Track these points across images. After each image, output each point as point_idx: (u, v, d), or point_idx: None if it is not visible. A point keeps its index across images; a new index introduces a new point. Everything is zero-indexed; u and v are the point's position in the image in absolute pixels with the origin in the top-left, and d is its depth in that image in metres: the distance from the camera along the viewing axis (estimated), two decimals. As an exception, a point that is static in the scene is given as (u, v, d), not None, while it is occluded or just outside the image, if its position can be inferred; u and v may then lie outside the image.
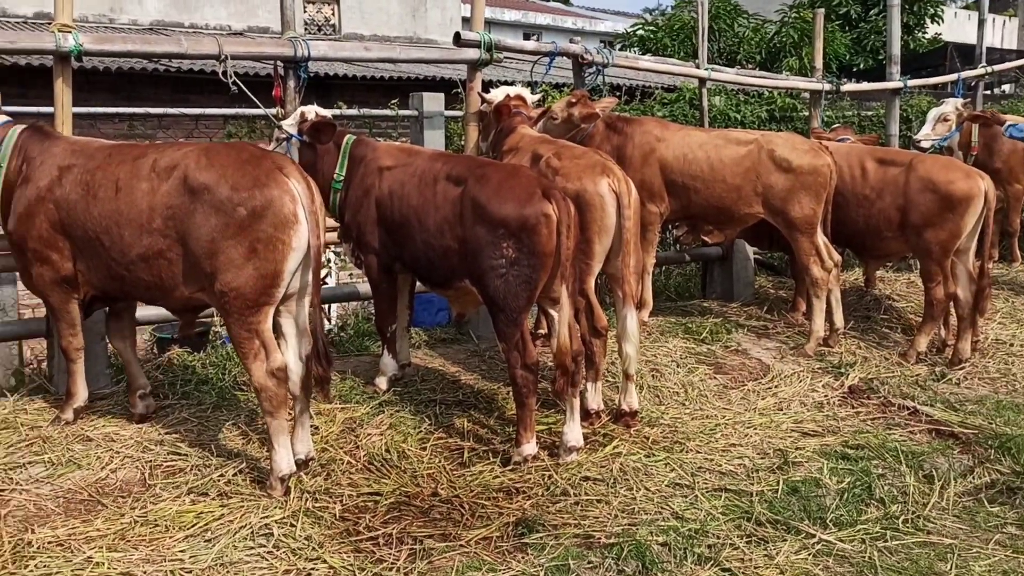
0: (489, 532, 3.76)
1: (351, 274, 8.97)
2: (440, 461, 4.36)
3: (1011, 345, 6.54)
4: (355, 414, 4.70)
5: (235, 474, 4.00)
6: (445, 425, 4.73)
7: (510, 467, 4.33)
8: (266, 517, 3.69)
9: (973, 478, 4.60)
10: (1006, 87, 13.94)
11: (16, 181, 4.23)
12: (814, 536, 3.90)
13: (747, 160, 6.10)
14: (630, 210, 4.73)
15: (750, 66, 16.33)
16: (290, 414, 4.06)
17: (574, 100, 6.01)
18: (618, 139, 6.25)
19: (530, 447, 4.38)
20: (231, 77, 5.01)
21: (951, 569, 3.70)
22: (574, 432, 4.46)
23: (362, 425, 4.60)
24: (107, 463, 4.07)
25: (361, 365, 5.44)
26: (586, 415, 4.80)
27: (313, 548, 3.53)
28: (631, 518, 3.94)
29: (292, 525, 3.66)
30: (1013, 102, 11.04)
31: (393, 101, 7.09)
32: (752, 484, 4.34)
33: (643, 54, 16.29)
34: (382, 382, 5.07)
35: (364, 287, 5.68)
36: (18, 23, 13.43)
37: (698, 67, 7.51)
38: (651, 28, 19.73)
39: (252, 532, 3.59)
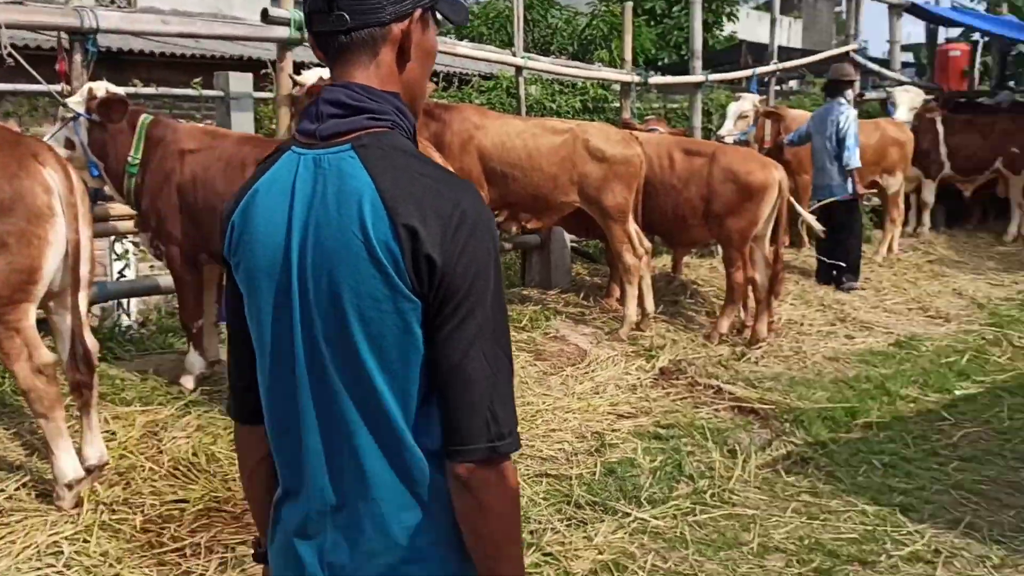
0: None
1: (152, 265, 8.42)
2: (253, 461, 4.15)
3: (802, 325, 7.04)
4: (158, 416, 4.38)
5: (17, 489, 3.62)
6: (258, 423, 4.50)
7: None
8: (55, 534, 3.36)
9: (771, 450, 4.90)
10: (793, 83, 15.00)
11: None
12: (630, 515, 4.03)
13: (563, 149, 6.19)
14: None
15: (563, 56, 16.69)
16: (75, 416, 3.72)
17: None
18: (436, 126, 6.17)
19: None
20: (6, 48, 4.53)
21: (754, 538, 3.91)
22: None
23: (166, 428, 4.29)
24: None
25: (165, 363, 5.09)
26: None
27: (110, 564, 3.25)
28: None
29: (86, 541, 3.36)
30: (800, 97, 11.90)
31: (196, 80, 6.69)
32: (572, 468, 4.43)
33: (460, 40, 16.28)
34: (188, 381, 4.76)
35: (166, 280, 5.31)
36: None
37: (515, 55, 7.56)
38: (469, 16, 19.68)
39: (39, 552, 3.26)
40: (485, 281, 1.38)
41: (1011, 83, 14.52)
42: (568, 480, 4.28)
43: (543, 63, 8.26)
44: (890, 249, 9.30)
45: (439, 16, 1.50)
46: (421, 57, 1.48)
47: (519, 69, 7.60)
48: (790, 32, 28.93)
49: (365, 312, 1.36)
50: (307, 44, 5.83)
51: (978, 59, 14.77)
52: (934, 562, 3.76)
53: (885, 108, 10.16)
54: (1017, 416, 5.54)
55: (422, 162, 1.42)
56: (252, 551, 1.73)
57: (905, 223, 10.20)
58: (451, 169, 2.63)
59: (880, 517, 4.16)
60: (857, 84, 9.86)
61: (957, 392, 6.00)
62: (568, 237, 7.63)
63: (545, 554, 3.67)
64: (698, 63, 8.72)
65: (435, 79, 8.44)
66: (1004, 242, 10.97)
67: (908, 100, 9.85)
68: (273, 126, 6.45)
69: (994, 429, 5.36)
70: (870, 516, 4.17)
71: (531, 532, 3.80)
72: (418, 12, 1.44)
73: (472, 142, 6.17)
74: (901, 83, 11.11)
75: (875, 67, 11.11)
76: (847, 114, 7.82)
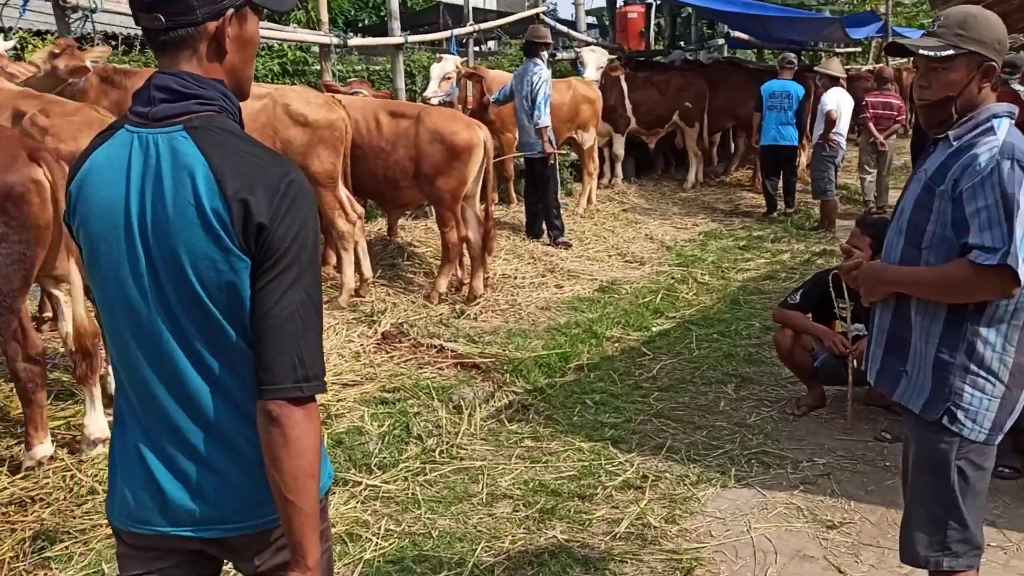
0: (1, 554, 3.23)
1: None
2: (-74, 484, 3.64)
3: (515, 279, 7.36)
4: None
5: None
6: (-71, 439, 3.95)
7: (22, 475, 3.76)
8: None
9: (494, 402, 5.10)
10: (491, 44, 15.48)
11: None
12: (361, 483, 4.01)
13: (263, 115, 5.93)
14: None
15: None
16: None
17: (58, 51, 5.31)
18: (117, 94, 5.65)
19: (44, 448, 3.85)
20: None
21: (482, 488, 4.06)
22: (97, 423, 4.02)
23: None
24: None
25: None
26: (111, 400, 4.34)
27: None
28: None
29: None
30: (498, 58, 12.30)
31: None
32: None
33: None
34: None
35: None
36: None
37: (202, 16, 7.08)
38: (148, -27, 18.21)
39: None
40: (303, 243, 1.60)
41: (681, 43, 15.98)
42: None
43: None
44: (589, 201, 9.94)
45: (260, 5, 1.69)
46: (240, 48, 1.68)
47: (209, 31, 7.13)
48: (486, -6, 29.74)
49: (202, 270, 1.59)
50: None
51: (652, 21, 16.07)
52: (643, 487, 4.11)
53: (576, 67, 10.78)
54: (704, 346, 6.19)
55: (248, 142, 1.64)
56: None
57: (601, 175, 10.95)
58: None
59: (595, 452, 4.48)
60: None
61: (654, 329, 6.57)
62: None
63: (277, 535, 3.56)
64: (396, 24, 8.71)
65: (113, 43, 7.72)
66: (685, 189, 12.15)
67: (595, 60, 10.52)
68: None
69: (685, 359, 5.94)
70: (586, 452, 4.47)
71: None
72: (230, 11, 1.62)
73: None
74: (588, 44, 11.82)
75: (564, 28, 11.72)
76: (540, 74, 8.18)
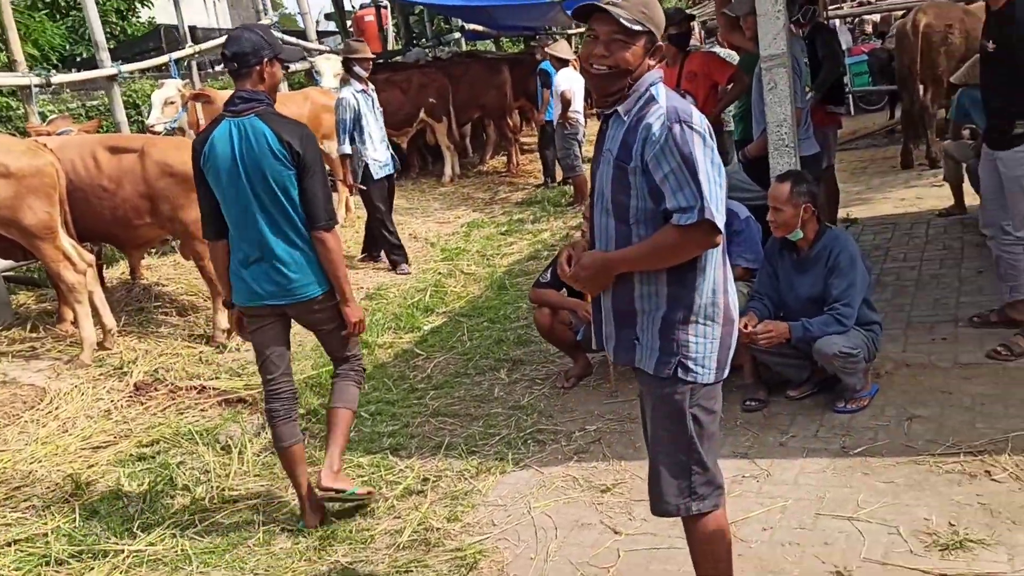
0: None
1: None
2: None
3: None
4: None
5: None
6: None
7: None
8: None
9: (265, 434, 4.88)
10: (220, 66, 14.88)
11: None
12: (123, 551, 3.72)
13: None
14: None
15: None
16: None
17: None
18: None
19: None
20: None
21: (258, 527, 3.87)
22: None
23: None
24: None
25: None
26: None
27: None
28: None
29: None
30: (230, 79, 11.84)
31: None
32: (47, 523, 3.94)
33: None
34: None
35: None
36: None
37: None
38: None
39: None
40: (315, 160, 3.60)
41: (421, 40, 16.11)
42: (44, 538, 3.81)
43: None
44: (348, 209, 9.78)
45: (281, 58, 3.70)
46: (271, 77, 3.64)
47: None
48: (217, 11, 28.62)
49: (273, 177, 3.54)
50: None
51: (390, 21, 16.08)
52: (424, 490, 4.08)
53: (312, 78, 10.56)
54: (475, 336, 6.26)
55: (283, 117, 3.64)
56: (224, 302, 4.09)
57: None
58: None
59: (374, 464, 4.40)
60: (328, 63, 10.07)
61: (425, 328, 6.57)
62: (3, 265, 6.70)
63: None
64: (105, 55, 8.15)
65: None
66: (443, 183, 12.25)
67: (331, 67, 10.36)
68: None
69: (458, 353, 5.98)
70: (366, 467, 4.38)
71: (7, 613, 3.32)
72: (266, 60, 3.59)
73: None
74: (321, 52, 11.62)
75: (293, 40, 11.45)
76: (343, 100, 7.85)
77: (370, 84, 7.98)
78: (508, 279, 7.67)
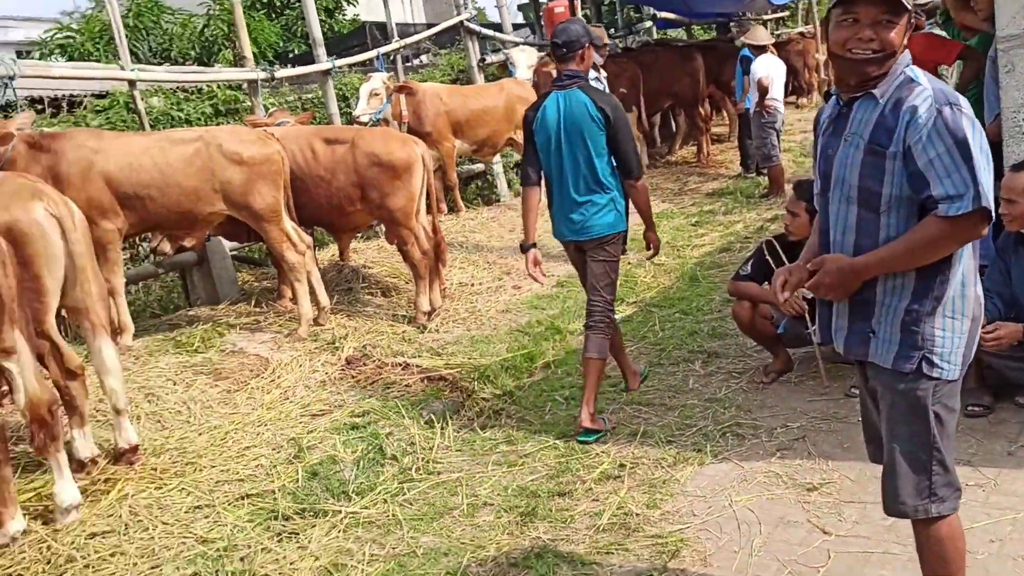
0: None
1: None
2: (-102, 577, 3.57)
3: (472, 285, 7.36)
4: None
5: None
6: None
7: (-4, 553, 3.71)
8: None
9: (465, 411, 5.10)
10: (424, 57, 15.47)
11: None
12: (340, 512, 3.99)
13: (197, 159, 5.89)
14: (77, 233, 4.26)
15: (189, 62, 15.83)
16: None
17: (-18, 122, 5.24)
18: (48, 158, 5.58)
19: (16, 524, 3.78)
20: None
21: (463, 500, 4.06)
22: (68, 490, 3.95)
23: None
24: None
25: None
26: (80, 466, 4.29)
27: None
28: (152, 560, 3.64)
29: None
30: (430, 71, 12.31)
31: None
32: (273, 481, 4.29)
33: (67, 61, 14.84)
34: None
35: None
36: None
37: (123, 68, 7.03)
38: (69, 33, 18.05)
39: None
40: (624, 126, 4.61)
41: (610, 30, 16.07)
42: (271, 495, 4.15)
43: (157, 72, 7.76)
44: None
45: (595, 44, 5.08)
46: (589, 58, 4.63)
47: (132, 83, 7.09)
48: (412, 8, 29.74)
49: (590, 136, 4.53)
50: None
51: (579, 11, 16.15)
52: (621, 476, 4.13)
53: (506, 69, 10.80)
54: (667, 326, 6.24)
55: (598, 90, 4.75)
56: (521, 245, 4.90)
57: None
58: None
59: (570, 448, 4.49)
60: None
61: (617, 316, 6.58)
62: (229, 245, 7.32)
63: (258, 576, 3.54)
64: (321, 51, 8.68)
65: (38, 106, 7.62)
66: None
67: (525, 59, 10.55)
68: None
69: (651, 342, 5.98)
70: (561, 449, 4.49)
71: (241, 559, 3.65)
72: (586, 46, 4.57)
73: (93, 169, 5.67)
74: (516, 44, 11.85)
75: (489, 32, 11.74)
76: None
77: (602, 71, 8.09)
78: (700, 271, 7.57)
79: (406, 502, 4.09)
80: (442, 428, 4.82)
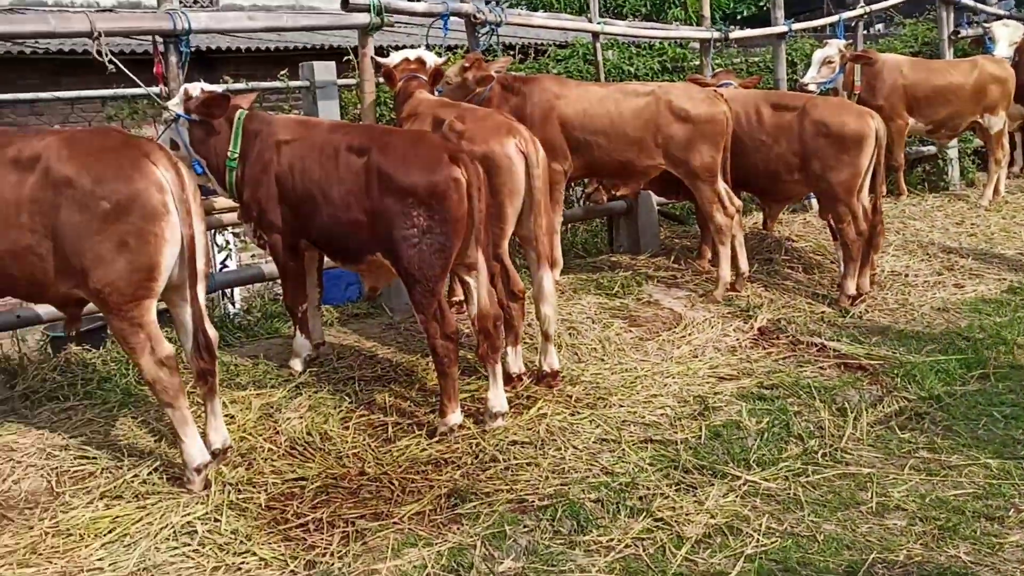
0: (421, 506, 3.70)
1: (253, 255, 8.69)
2: (365, 439, 4.27)
3: (906, 276, 6.82)
4: (271, 399, 4.55)
5: (150, 473, 3.82)
6: (366, 402, 4.62)
7: (436, 439, 4.27)
8: (187, 515, 3.54)
9: (883, 407, 4.79)
10: (880, 26, 14.39)
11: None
12: (740, 478, 3.99)
13: (646, 112, 6.10)
14: (539, 170, 4.68)
15: (637, 18, 16.41)
16: (199, 404, 3.92)
17: (468, 64, 5.91)
18: (516, 99, 6.16)
19: (455, 417, 4.33)
20: (107, 55, 4.70)
21: (872, 497, 3.84)
22: (498, 398, 4.43)
23: (280, 410, 4.45)
24: (8, 474, 3.83)
25: (273, 348, 5.26)
26: (508, 379, 4.77)
27: (241, 541, 3.41)
28: (562, 478, 3.95)
29: (216, 520, 3.52)
30: (888, 40, 11.42)
31: (282, 72, 6.83)
32: (676, 432, 4.41)
33: (535, 12, 16.17)
34: (297, 364, 4.92)
35: (269, 267, 5.49)
36: None
37: (591, 21, 7.47)
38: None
39: (174, 532, 3.44)
40: None
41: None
42: (673, 445, 4.27)
43: (620, 26, 8.13)
44: (996, 192, 8.89)
45: None
46: None
47: (596, 35, 7.51)
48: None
49: None
50: (386, 29, 5.91)
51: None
52: (1065, 513, 3.62)
53: (982, 45, 9.67)
54: None
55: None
56: None
57: (1011, 163, 9.75)
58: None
59: (1005, 471, 4.03)
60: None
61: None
62: (656, 199, 7.54)
63: (656, 519, 3.67)
64: (780, 13, 8.46)
65: (511, 51, 8.41)
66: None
67: (1008, 35, 9.36)
68: (357, 111, 6.54)
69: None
70: (994, 470, 4.04)
71: (640, 498, 3.82)
72: None
73: (553, 112, 6.13)
74: (999, 17, 10.55)
75: (970, 2, 10.56)
76: None
77: None
78: None
79: (809, 484, 3.97)
80: (855, 419, 4.57)
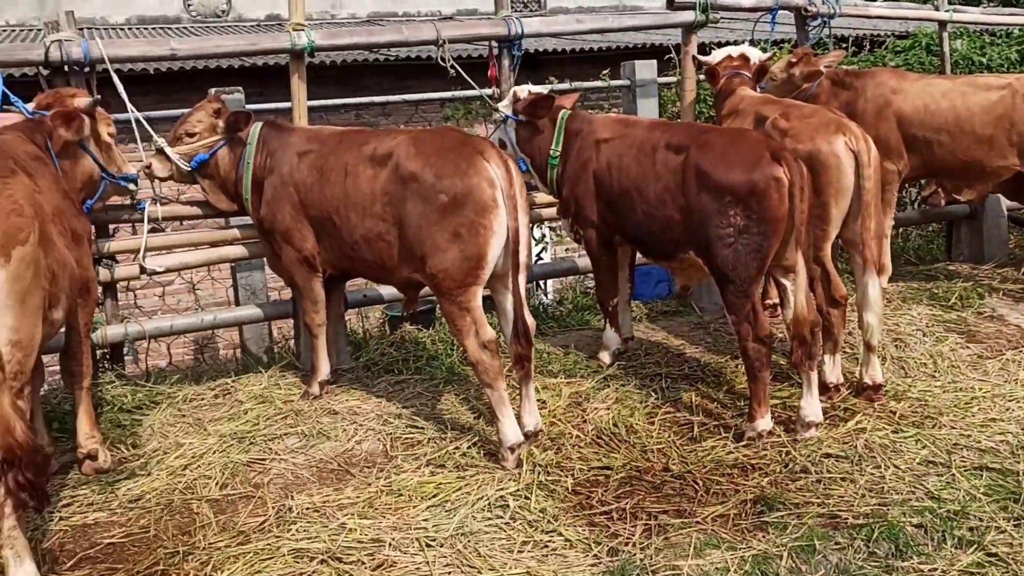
0: (726, 509, 3.64)
1: (567, 248, 9.01)
2: (669, 436, 4.28)
3: None
4: (580, 388, 4.70)
5: (469, 447, 4.12)
6: (672, 399, 4.63)
7: (744, 443, 4.17)
8: (501, 489, 3.76)
9: None
10: None
11: (262, 173, 4.55)
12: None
13: (999, 107, 5.52)
14: (870, 169, 4.41)
15: (992, 4, 14.77)
16: (515, 387, 4.16)
17: (795, 59, 5.70)
18: (847, 95, 5.84)
19: (765, 422, 4.20)
20: (449, 61, 5.12)
21: None
22: (812, 407, 4.23)
23: (588, 399, 4.60)
24: (352, 435, 4.31)
25: (583, 339, 5.44)
26: (824, 389, 4.53)
27: (548, 521, 3.57)
28: (880, 498, 3.68)
29: (527, 498, 3.71)
30: None
31: (604, 72, 7.01)
32: (1018, 463, 3.94)
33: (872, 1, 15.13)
34: (605, 356, 5.04)
35: (582, 261, 5.68)
36: (252, 26, 14.50)
37: (937, 9, 6.86)
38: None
39: (489, 503, 3.67)
40: None
41: None
42: (1014, 476, 3.81)
43: (973, 13, 7.37)
44: None
45: None
46: None
47: (943, 24, 6.87)
48: None
49: None
50: (711, 25, 5.85)
51: None
52: None
53: None
54: None
55: None
56: None
57: None
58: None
59: None
60: None
61: None
62: (1006, 205, 6.77)
63: (989, 554, 3.31)
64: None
65: (843, 44, 7.95)
66: None
67: None
68: (676, 109, 6.55)
69: None
70: None
71: (970, 529, 3.46)
72: None
73: (889, 108, 5.74)
74: None
75: None
76: None
77: None
78: None
79: None
80: None
